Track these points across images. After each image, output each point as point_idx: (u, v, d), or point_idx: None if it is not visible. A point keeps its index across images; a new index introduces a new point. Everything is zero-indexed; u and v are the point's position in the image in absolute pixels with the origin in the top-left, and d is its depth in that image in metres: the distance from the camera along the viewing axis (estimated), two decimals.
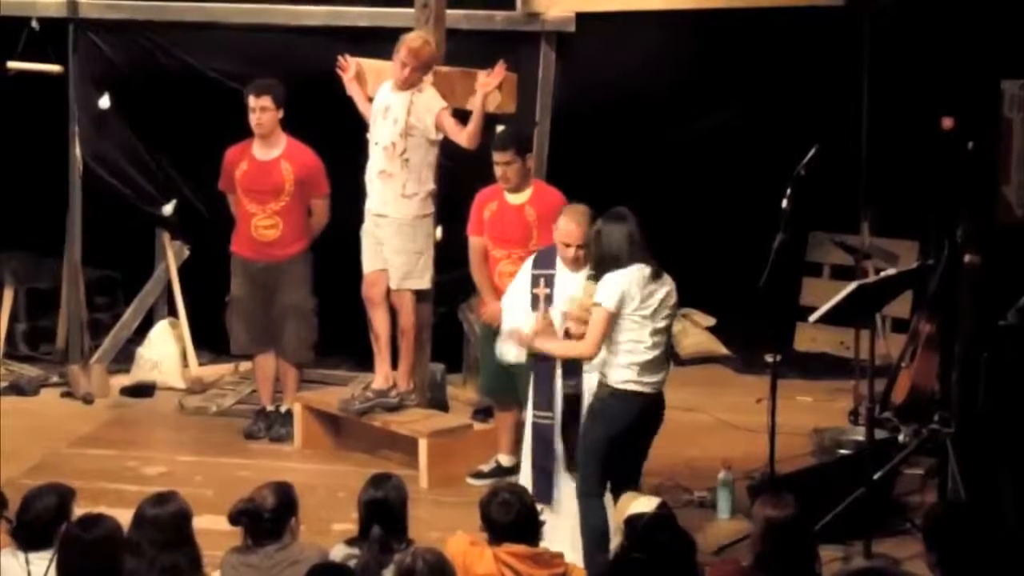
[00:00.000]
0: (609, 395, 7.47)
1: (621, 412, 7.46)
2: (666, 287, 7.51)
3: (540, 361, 7.85)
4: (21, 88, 10.80)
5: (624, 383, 7.43)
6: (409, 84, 8.94)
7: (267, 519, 6.20)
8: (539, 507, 6.55)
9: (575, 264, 7.84)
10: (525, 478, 7.85)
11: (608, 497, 7.51)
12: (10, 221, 11.60)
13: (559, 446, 7.80)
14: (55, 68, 10.55)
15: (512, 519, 6.24)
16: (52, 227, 10.94)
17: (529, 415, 7.98)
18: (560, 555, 6.44)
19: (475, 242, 8.89)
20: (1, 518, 6.35)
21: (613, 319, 7.37)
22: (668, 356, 7.63)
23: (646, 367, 7.44)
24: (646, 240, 7.47)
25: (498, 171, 8.73)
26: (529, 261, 8.19)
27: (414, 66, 8.92)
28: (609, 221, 7.49)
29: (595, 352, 7.46)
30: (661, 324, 7.46)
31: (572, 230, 7.82)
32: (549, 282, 7.94)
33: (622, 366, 7.43)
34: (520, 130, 9.21)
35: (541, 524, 6.36)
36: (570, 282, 7.83)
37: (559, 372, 7.76)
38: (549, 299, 7.91)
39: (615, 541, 7.41)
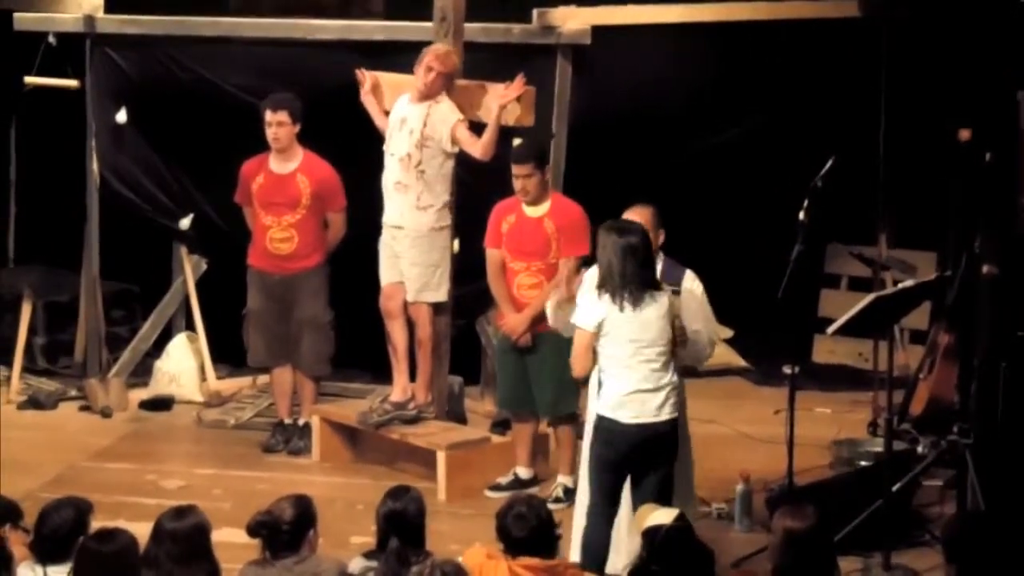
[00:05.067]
0: (598, 419, 7.35)
1: (605, 441, 7.30)
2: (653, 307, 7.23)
3: None
4: (39, 103, 10.84)
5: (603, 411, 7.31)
6: (432, 91, 8.94)
7: (285, 531, 6.20)
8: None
9: None
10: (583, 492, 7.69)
11: (624, 516, 7.46)
12: (29, 235, 11.64)
13: None
14: (72, 83, 10.59)
15: (527, 533, 6.22)
16: (70, 241, 10.97)
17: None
18: (575, 565, 6.40)
19: (492, 254, 8.89)
20: (17, 529, 6.36)
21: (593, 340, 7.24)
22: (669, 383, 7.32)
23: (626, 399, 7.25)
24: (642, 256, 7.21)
25: (517, 184, 8.73)
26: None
27: (439, 71, 8.92)
28: (610, 233, 7.29)
29: (580, 373, 7.37)
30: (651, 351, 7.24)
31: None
32: None
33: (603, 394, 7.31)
34: (539, 143, 9.21)
35: (558, 538, 6.34)
36: None
37: None
38: None
39: (625, 558, 7.42)
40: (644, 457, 7.26)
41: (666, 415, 7.25)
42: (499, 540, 6.27)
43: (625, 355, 7.20)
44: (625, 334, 7.17)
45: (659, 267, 7.59)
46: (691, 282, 7.76)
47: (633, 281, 7.15)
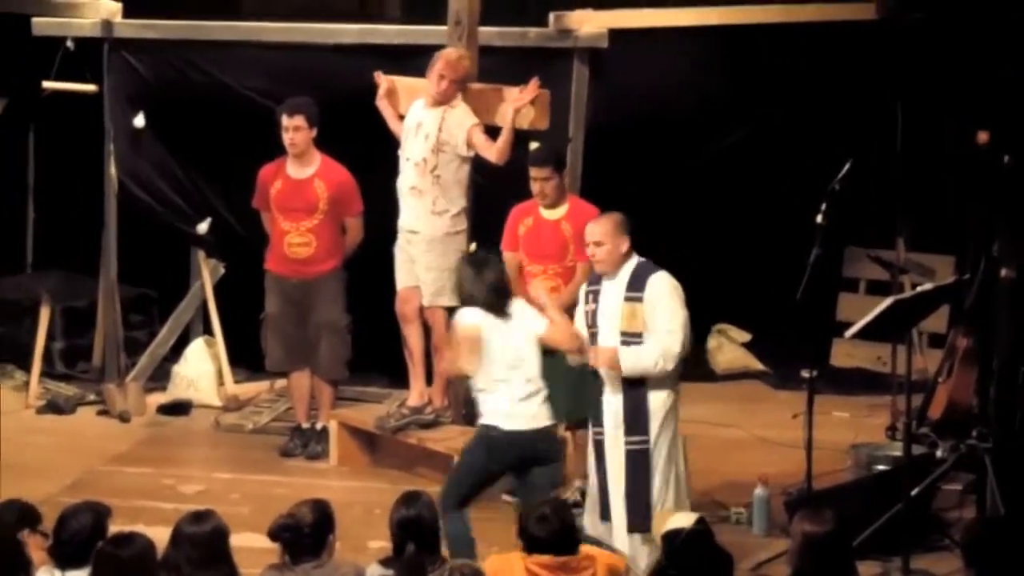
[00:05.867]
0: (483, 428, 7.74)
1: (488, 449, 7.70)
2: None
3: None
4: (57, 108, 10.86)
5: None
6: (445, 98, 8.95)
7: (307, 536, 6.20)
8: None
9: (597, 265, 7.83)
10: (592, 501, 7.79)
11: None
12: (46, 240, 11.67)
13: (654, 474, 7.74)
14: (90, 88, 10.60)
15: (547, 535, 6.22)
16: (88, 246, 10.99)
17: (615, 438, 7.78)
18: (588, 556, 6.37)
19: (509, 257, 8.88)
20: (36, 533, 6.37)
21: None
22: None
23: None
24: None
25: (535, 187, 8.73)
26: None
27: (451, 78, 8.93)
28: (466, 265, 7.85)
29: (468, 369, 7.69)
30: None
31: (591, 228, 7.86)
32: (596, 298, 7.88)
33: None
34: (557, 146, 9.21)
35: (579, 541, 6.34)
36: (611, 295, 7.78)
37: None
38: (594, 315, 7.86)
39: (649, 557, 7.41)
40: (523, 463, 7.65)
41: (543, 422, 7.67)
42: (520, 539, 6.27)
43: (498, 369, 7.62)
44: (497, 347, 7.61)
45: (628, 271, 7.71)
46: (655, 289, 7.71)
47: (492, 299, 7.63)
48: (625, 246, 7.76)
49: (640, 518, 7.61)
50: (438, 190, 9.00)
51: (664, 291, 7.71)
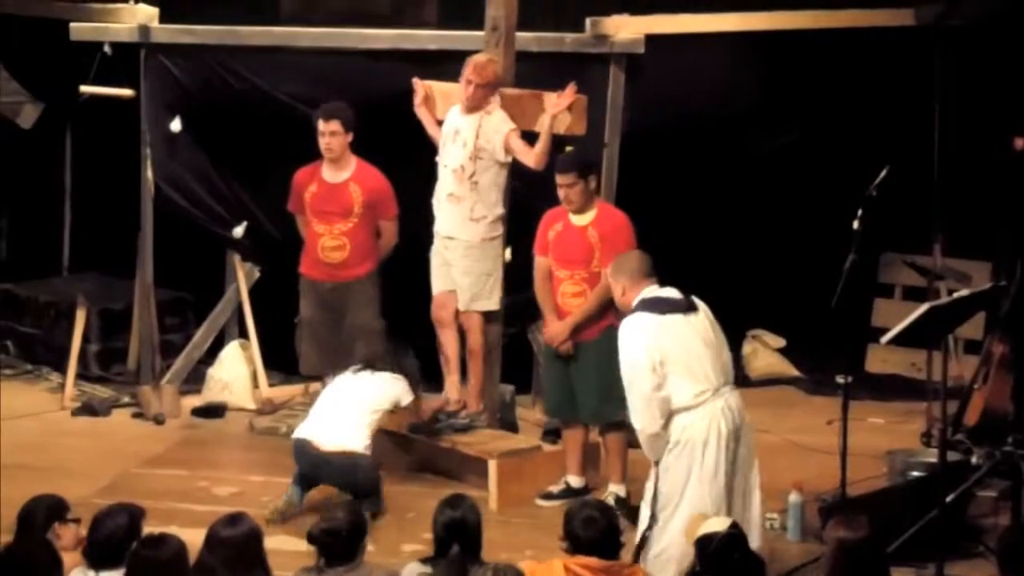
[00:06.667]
0: None
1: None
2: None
3: None
4: (94, 112, 10.91)
5: None
6: (475, 103, 8.96)
7: (343, 540, 6.21)
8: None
9: None
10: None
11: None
12: (83, 243, 11.72)
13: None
14: (127, 92, 10.64)
15: (593, 536, 6.25)
16: (124, 249, 11.03)
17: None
18: (631, 565, 6.38)
19: (540, 262, 8.88)
20: (67, 523, 6.40)
21: None
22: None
23: None
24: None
25: (561, 193, 8.72)
26: None
27: (478, 83, 8.94)
28: None
29: None
30: None
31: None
32: None
33: None
34: (582, 152, 9.19)
35: (622, 545, 6.35)
36: None
37: None
38: None
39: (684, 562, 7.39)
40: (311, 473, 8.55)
41: (332, 447, 8.49)
42: (564, 537, 6.29)
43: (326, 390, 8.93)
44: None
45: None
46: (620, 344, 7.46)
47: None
48: (619, 288, 7.61)
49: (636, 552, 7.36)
50: (476, 196, 9.01)
51: (623, 353, 7.38)
